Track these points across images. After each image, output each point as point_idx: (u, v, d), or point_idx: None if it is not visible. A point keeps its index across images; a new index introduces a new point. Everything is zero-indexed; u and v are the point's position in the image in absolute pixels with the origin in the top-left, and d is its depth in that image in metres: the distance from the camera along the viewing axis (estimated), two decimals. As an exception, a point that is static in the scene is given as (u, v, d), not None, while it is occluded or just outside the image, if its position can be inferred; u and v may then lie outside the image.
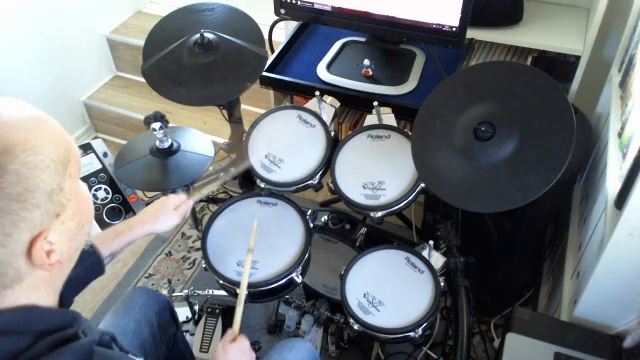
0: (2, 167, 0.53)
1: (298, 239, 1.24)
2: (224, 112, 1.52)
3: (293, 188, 1.28)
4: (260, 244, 1.23)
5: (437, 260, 1.20)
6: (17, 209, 0.55)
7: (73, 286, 0.85)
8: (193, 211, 1.84)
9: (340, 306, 1.18)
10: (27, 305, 0.60)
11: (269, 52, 1.55)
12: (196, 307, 1.63)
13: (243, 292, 1.09)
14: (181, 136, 1.39)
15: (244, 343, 1.00)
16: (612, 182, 1.06)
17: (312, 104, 1.36)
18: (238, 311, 1.05)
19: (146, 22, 2.50)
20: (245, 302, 1.08)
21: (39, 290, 0.62)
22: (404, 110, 1.41)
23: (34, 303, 0.60)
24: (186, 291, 1.59)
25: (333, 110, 1.37)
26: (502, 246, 1.36)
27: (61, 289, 0.66)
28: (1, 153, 0.53)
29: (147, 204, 1.35)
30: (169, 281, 1.85)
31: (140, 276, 1.89)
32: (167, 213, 1.11)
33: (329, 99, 1.39)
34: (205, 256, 1.23)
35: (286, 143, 1.32)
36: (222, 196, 2.10)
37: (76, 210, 0.62)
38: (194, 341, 1.55)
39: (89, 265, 0.99)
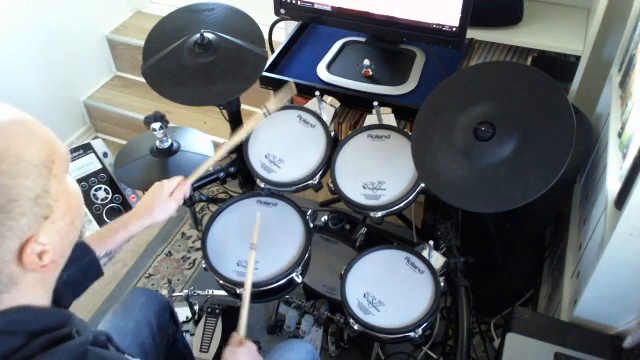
0: None
1: (298, 239, 1.24)
2: (224, 112, 1.52)
3: (293, 188, 1.28)
4: (260, 244, 1.23)
5: (437, 260, 1.20)
6: (2, 220, 0.54)
7: (70, 289, 0.83)
8: (193, 211, 1.84)
9: (340, 306, 1.18)
10: (20, 306, 0.59)
11: (269, 52, 1.55)
12: (196, 307, 1.63)
13: (247, 293, 1.05)
14: (181, 136, 1.39)
15: (252, 347, 0.98)
16: (612, 182, 1.05)
17: (312, 104, 1.36)
18: (243, 314, 1.02)
19: (146, 22, 2.50)
20: (249, 303, 1.05)
21: (35, 290, 0.61)
22: (404, 110, 1.41)
23: (28, 303, 0.60)
24: (186, 291, 1.59)
25: (333, 110, 1.37)
26: (502, 246, 1.35)
27: (55, 286, 0.66)
28: None
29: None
30: (169, 281, 1.85)
31: (140, 276, 1.89)
32: (162, 201, 1.08)
33: (329, 99, 1.39)
34: (205, 256, 1.23)
35: (286, 143, 1.32)
36: (222, 196, 2.10)
37: (66, 209, 0.61)
38: (194, 341, 1.55)
39: (85, 266, 0.95)
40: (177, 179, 1.12)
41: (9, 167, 0.54)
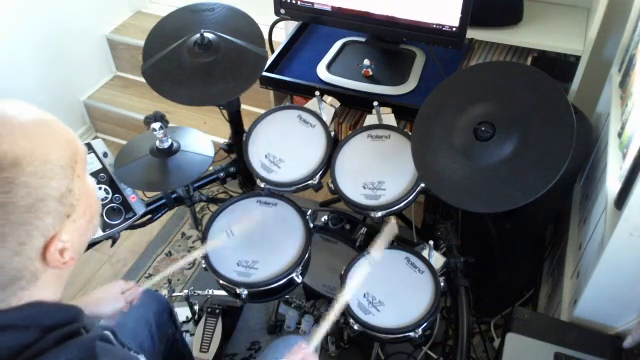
0: (11, 182, 0.54)
1: (298, 239, 1.24)
2: (224, 112, 1.52)
3: (293, 188, 1.28)
4: (260, 244, 1.23)
5: (437, 260, 1.20)
6: (30, 219, 0.56)
7: None
8: (193, 211, 1.84)
9: (340, 306, 1.18)
10: (34, 301, 0.61)
11: (269, 52, 1.55)
12: (196, 307, 1.63)
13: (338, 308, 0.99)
14: (181, 136, 1.39)
15: None
16: (612, 182, 1.06)
17: (312, 104, 1.36)
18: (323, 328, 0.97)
19: (146, 22, 2.50)
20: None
21: (49, 287, 0.63)
22: (404, 110, 1.41)
23: (42, 299, 0.62)
24: (186, 291, 1.59)
25: (333, 110, 1.37)
26: (502, 246, 1.35)
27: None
28: (9, 167, 0.54)
29: (147, 205, 1.36)
30: (169, 281, 1.84)
31: (140, 276, 1.89)
32: (112, 297, 1.07)
33: (329, 99, 1.39)
34: (205, 256, 1.23)
35: (286, 143, 1.32)
36: (222, 196, 2.10)
37: (86, 207, 0.63)
38: (194, 341, 1.55)
39: None
40: (131, 283, 1.13)
41: (36, 168, 0.55)
